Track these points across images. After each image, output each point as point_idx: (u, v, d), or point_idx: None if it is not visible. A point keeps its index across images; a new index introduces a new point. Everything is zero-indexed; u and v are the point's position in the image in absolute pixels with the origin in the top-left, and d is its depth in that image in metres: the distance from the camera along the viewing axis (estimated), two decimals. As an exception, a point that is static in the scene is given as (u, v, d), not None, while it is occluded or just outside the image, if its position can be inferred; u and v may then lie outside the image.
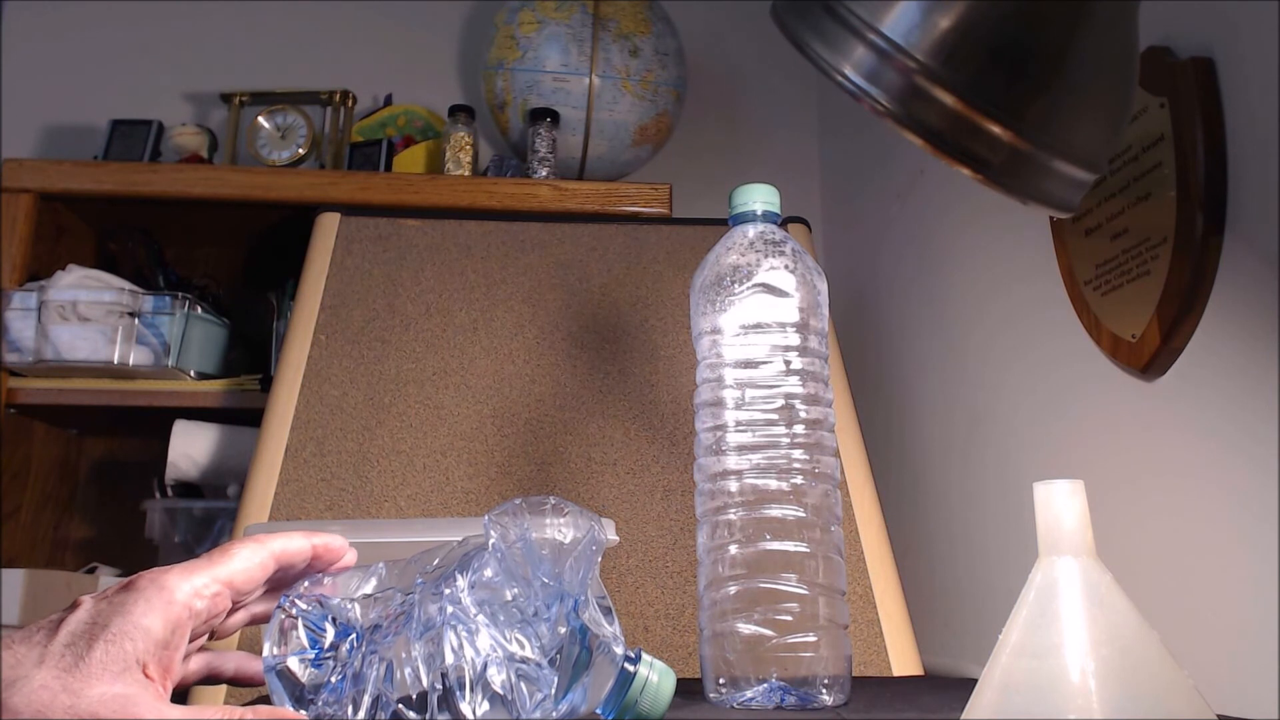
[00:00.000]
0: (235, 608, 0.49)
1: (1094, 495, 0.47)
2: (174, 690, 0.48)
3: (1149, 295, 0.77)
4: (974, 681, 0.48)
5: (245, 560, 0.48)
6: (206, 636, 0.49)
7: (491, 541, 0.49)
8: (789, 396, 0.67)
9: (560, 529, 0.50)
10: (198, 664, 0.51)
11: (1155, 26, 0.76)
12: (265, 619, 0.53)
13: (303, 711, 0.45)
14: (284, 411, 1.02)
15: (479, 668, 0.45)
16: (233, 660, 0.53)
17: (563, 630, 0.48)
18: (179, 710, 0.42)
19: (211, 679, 0.52)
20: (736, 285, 0.68)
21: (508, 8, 1.60)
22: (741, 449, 0.66)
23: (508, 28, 1.58)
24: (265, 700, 0.48)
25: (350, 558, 0.54)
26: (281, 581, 0.52)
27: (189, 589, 0.45)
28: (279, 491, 0.96)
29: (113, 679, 0.40)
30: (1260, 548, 0.67)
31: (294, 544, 0.50)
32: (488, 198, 1.43)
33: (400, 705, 0.45)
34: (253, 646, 0.86)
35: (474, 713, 0.45)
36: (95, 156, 1.55)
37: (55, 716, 0.39)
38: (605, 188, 1.46)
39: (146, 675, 0.42)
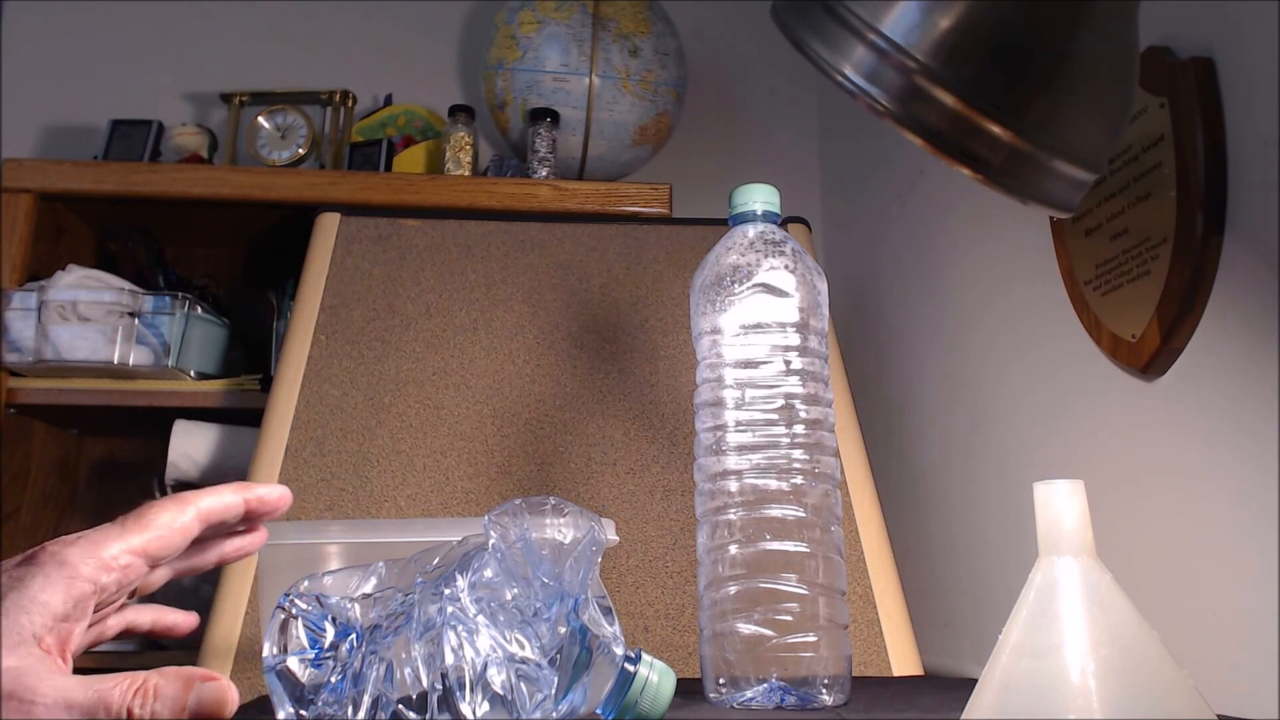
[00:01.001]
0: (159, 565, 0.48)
1: (1094, 495, 0.47)
2: (90, 650, 0.48)
3: (1149, 295, 0.77)
4: (974, 681, 0.48)
5: (164, 526, 0.47)
6: (127, 596, 0.49)
7: (491, 541, 0.49)
8: (789, 396, 0.67)
9: (560, 529, 0.50)
10: (115, 620, 0.51)
11: (1155, 26, 0.76)
12: (191, 572, 0.53)
13: (216, 673, 0.44)
14: (284, 411, 1.02)
15: (479, 668, 0.45)
16: (149, 613, 0.52)
17: (563, 630, 0.48)
18: (75, 680, 0.41)
19: (129, 633, 0.52)
20: (736, 285, 0.68)
21: (508, 8, 1.60)
22: (741, 449, 0.66)
23: (508, 28, 1.58)
24: (266, 700, 0.48)
25: (286, 500, 0.53)
26: (214, 536, 0.52)
27: (94, 563, 0.44)
28: (279, 491, 0.96)
29: (6, 653, 0.40)
30: (1260, 548, 0.67)
31: (223, 500, 0.50)
32: (488, 198, 1.43)
33: (400, 705, 0.45)
34: (252, 647, 0.86)
35: (474, 713, 0.45)
36: (95, 156, 1.55)
37: None
38: (605, 188, 1.46)
39: (43, 648, 0.41)
